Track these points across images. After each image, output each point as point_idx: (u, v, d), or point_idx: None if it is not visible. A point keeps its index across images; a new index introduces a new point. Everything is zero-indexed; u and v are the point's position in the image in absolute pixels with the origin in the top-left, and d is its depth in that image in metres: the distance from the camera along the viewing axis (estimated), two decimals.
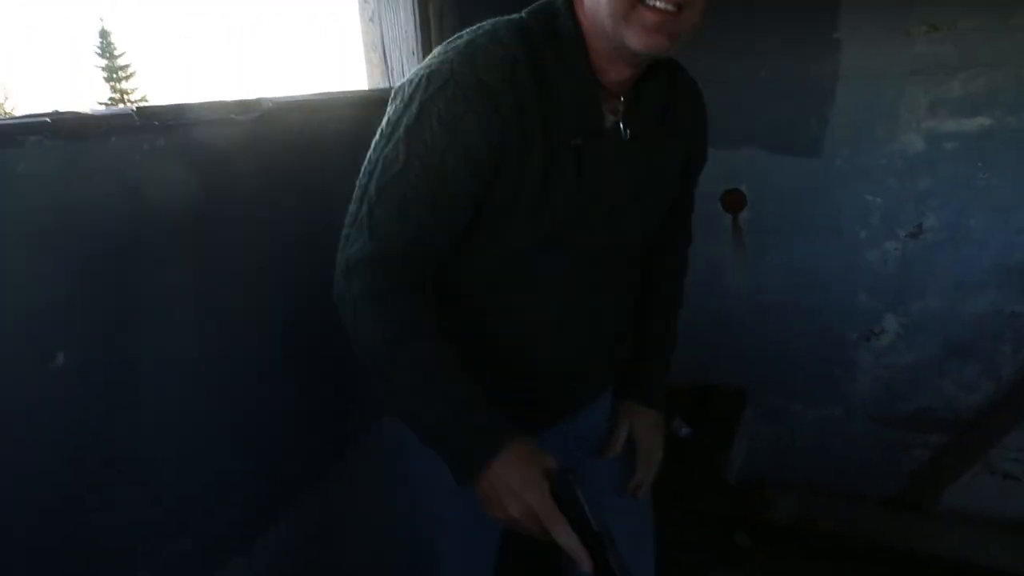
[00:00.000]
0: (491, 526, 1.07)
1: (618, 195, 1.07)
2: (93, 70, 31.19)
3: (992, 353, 2.47)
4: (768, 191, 2.59)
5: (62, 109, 1.03)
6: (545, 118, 0.96)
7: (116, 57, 31.02)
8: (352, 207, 0.99)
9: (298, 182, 1.35)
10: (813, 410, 2.79)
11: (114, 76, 31.04)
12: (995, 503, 2.56)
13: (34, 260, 0.96)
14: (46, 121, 0.99)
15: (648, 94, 1.04)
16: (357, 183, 0.99)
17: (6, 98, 28.22)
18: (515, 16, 1.00)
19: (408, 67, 1.74)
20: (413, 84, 0.95)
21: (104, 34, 30.91)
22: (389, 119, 0.97)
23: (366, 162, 0.99)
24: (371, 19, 1.78)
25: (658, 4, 0.87)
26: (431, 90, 0.92)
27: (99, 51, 30.88)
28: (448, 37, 1.02)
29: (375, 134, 1.00)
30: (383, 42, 1.79)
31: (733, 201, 2.61)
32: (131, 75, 31.41)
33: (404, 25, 1.75)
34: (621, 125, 1.03)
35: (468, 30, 1.00)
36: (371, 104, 1.40)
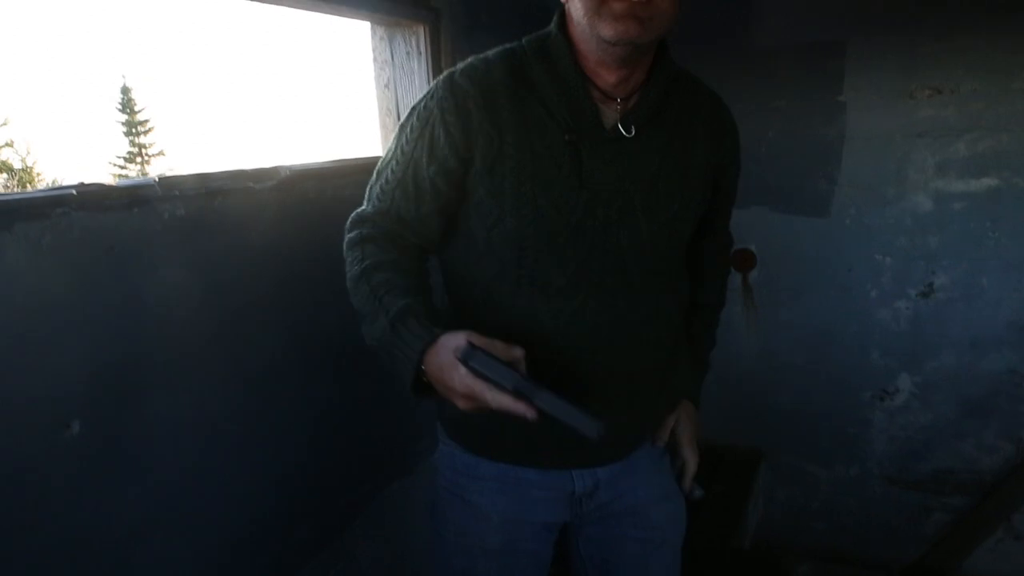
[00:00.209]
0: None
1: (625, 190, 1.06)
2: (113, 124, 31.98)
3: (1011, 413, 2.43)
4: (777, 250, 2.61)
5: (87, 180, 1.06)
6: (535, 116, 1.03)
7: (135, 112, 31.78)
8: None
9: (313, 248, 1.37)
10: (828, 471, 2.74)
11: (133, 131, 31.75)
12: (1020, 570, 2.48)
13: (54, 330, 0.98)
14: (72, 193, 1.02)
15: (649, 95, 1.06)
16: None
17: (28, 152, 28.87)
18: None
19: None
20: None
21: (125, 90, 31.78)
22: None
23: None
24: (386, 86, 1.84)
25: None
26: (423, 97, 1.08)
27: (120, 106, 31.73)
28: None
29: None
30: (398, 108, 1.84)
31: (743, 260, 2.62)
32: (149, 130, 32.14)
33: (418, 91, 1.80)
34: (620, 124, 1.04)
35: None
36: None
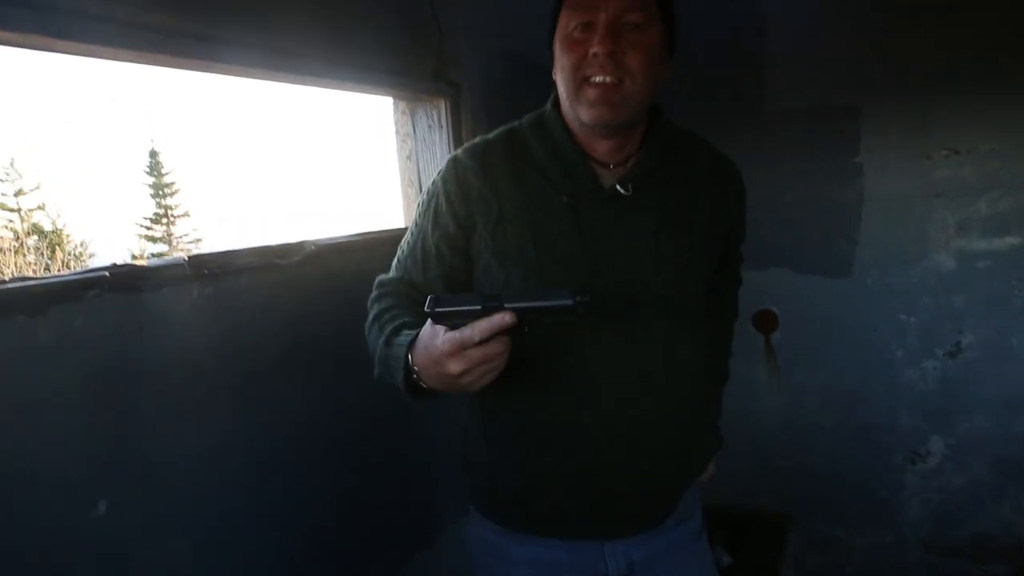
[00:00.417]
0: None
1: (629, 248, 1.09)
2: (141, 187, 32.89)
3: None
4: (800, 311, 2.59)
5: (119, 261, 1.09)
6: (533, 183, 1.09)
7: (163, 175, 32.72)
8: None
9: (337, 322, 1.38)
10: (862, 537, 2.65)
11: (160, 193, 32.63)
12: None
13: (83, 411, 0.99)
14: (105, 275, 1.04)
15: (645, 157, 1.11)
16: None
17: (58, 215, 29.70)
18: None
19: None
20: None
21: (153, 154, 32.81)
22: None
23: None
24: (408, 157, 1.88)
25: (596, 79, 1.00)
26: (434, 177, 1.17)
27: (148, 169, 32.68)
28: None
29: None
30: (419, 179, 1.88)
31: (765, 321, 2.60)
32: (175, 192, 33.01)
33: (440, 163, 1.84)
34: (618, 185, 1.08)
35: None
36: None
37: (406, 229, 1.21)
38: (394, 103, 1.85)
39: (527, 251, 1.07)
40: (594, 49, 0.99)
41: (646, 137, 1.12)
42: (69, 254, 27.95)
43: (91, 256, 29.36)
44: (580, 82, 1.02)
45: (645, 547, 1.18)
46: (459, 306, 0.85)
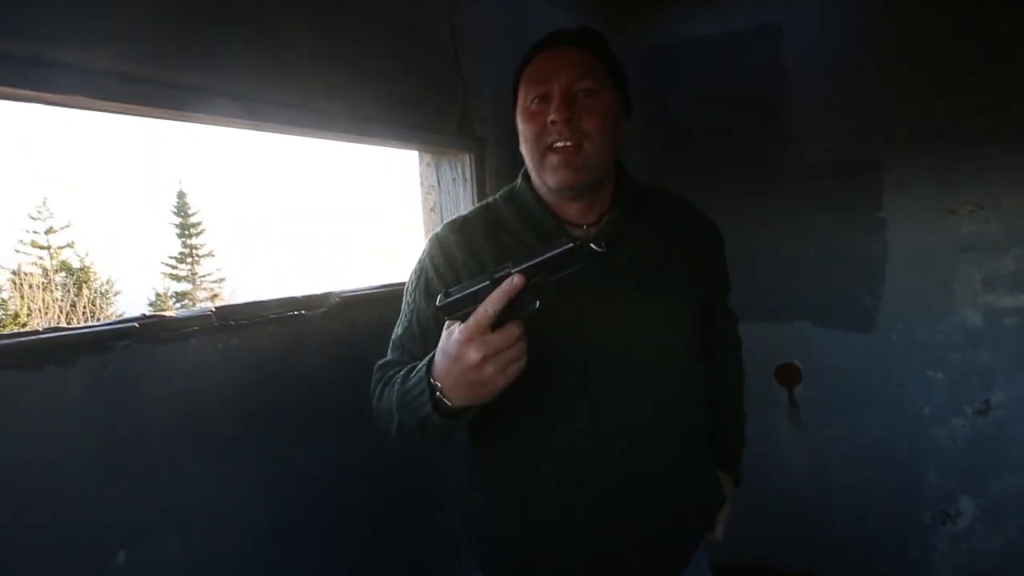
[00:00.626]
0: None
1: (611, 300, 1.11)
2: (167, 225, 33.53)
3: None
4: (823, 365, 2.55)
5: (148, 312, 1.11)
6: (510, 248, 1.13)
7: (189, 216, 33.37)
8: None
9: (361, 373, 1.39)
10: None
11: (186, 232, 33.25)
12: None
13: (107, 461, 1.00)
14: (134, 326, 1.06)
15: (616, 213, 1.16)
16: None
17: (87, 253, 30.30)
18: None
19: None
20: None
21: (181, 195, 33.52)
22: None
23: None
24: (432, 209, 1.91)
25: (557, 145, 1.06)
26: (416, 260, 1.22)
27: (175, 209, 33.38)
28: None
29: None
30: None
31: (788, 375, 2.57)
32: (201, 232, 33.62)
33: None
34: (591, 243, 1.12)
35: None
36: None
37: None
38: (419, 156, 1.88)
39: None
40: (552, 117, 1.05)
41: (616, 193, 1.18)
42: (95, 291, 28.44)
43: (116, 294, 29.84)
44: (543, 150, 1.08)
45: None
46: (468, 288, 0.88)
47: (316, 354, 1.33)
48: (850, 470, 2.56)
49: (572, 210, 1.15)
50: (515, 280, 0.84)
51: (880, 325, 2.46)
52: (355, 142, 1.54)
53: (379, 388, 1.10)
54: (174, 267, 33.48)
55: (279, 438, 1.26)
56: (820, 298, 2.51)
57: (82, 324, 1.06)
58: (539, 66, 1.11)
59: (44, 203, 31.15)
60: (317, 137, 1.42)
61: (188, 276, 33.39)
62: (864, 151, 2.43)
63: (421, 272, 1.17)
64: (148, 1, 1.05)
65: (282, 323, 1.27)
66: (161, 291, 32.30)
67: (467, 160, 1.81)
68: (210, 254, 34.15)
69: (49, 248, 29.47)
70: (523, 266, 0.85)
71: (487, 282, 0.86)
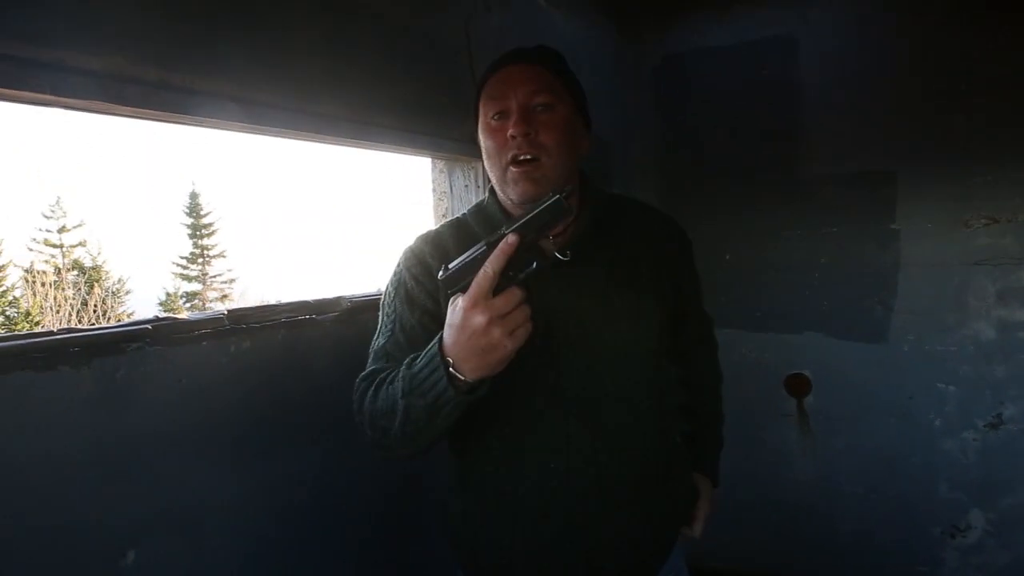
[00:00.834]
0: None
1: (578, 308, 1.14)
2: (178, 226, 33.70)
3: None
4: (833, 375, 2.54)
5: (161, 314, 1.12)
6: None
7: (201, 216, 33.54)
8: None
9: None
10: None
11: (197, 233, 33.41)
12: None
13: (118, 462, 1.00)
14: (147, 328, 1.07)
15: (581, 225, 1.18)
16: None
17: (99, 251, 30.49)
18: None
19: None
20: None
21: (193, 195, 33.70)
22: None
23: None
24: (444, 215, 1.92)
25: (520, 158, 1.09)
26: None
27: (187, 210, 33.57)
28: None
29: None
30: None
31: (797, 385, 2.55)
32: (213, 232, 33.78)
33: None
34: (556, 252, 1.13)
35: None
36: None
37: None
38: (432, 162, 1.89)
39: None
40: (510, 132, 1.09)
41: (580, 205, 1.19)
42: (106, 290, 28.62)
43: (128, 293, 30.01)
44: (505, 165, 1.11)
45: None
46: (468, 256, 0.91)
47: (326, 358, 1.34)
48: (859, 481, 2.54)
49: None
50: (510, 239, 0.88)
51: (892, 336, 2.44)
52: (368, 148, 1.55)
53: (370, 392, 1.08)
54: (185, 267, 33.66)
55: (288, 440, 1.26)
56: (831, 309, 2.50)
57: (96, 325, 1.07)
58: (497, 83, 1.15)
59: (58, 202, 31.43)
60: (330, 144, 1.43)
61: (199, 276, 33.55)
62: (878, 163, 2.42)
63: (399, 283, 1.20)
64: (150, 4, 1.05)
65: (293, 327, 1.28)
66: (171, 291, 32.46)
67: (480, 167, 1.82)
68: (221, 255, 34.31)
69: (62, 247, 29.70)
70: (516, 225, 0.90)
71: (484, 247, 0.90)
